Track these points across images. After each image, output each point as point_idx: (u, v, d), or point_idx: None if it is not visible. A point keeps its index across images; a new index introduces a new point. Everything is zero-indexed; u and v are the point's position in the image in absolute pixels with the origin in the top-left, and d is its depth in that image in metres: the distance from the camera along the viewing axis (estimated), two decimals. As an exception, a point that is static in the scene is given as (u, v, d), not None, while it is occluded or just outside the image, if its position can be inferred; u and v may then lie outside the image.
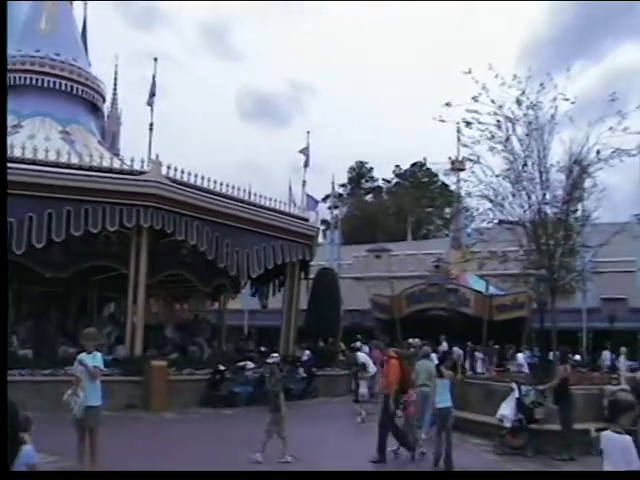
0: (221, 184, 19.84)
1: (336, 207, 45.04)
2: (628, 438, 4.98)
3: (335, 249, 38.42)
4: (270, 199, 21.79)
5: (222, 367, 18.22)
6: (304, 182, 25.84)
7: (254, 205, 20.75)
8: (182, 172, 18.67)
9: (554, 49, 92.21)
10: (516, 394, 12.57)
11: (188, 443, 11.61)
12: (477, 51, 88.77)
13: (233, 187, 20.27)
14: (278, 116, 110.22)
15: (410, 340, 21.42)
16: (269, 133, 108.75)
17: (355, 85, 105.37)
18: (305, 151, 25.77)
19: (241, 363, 19.15)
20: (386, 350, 14.40)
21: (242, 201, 20.34)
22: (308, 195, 28.65)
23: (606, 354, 25.49)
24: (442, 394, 11.08)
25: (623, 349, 24.72)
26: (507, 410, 12.46)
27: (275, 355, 13.57)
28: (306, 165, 25.80)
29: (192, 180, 18.90)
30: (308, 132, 25.95)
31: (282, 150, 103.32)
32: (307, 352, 21.85)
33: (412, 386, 11.85)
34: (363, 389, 17.62)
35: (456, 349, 21.26)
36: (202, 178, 19.24)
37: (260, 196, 21.38)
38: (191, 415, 15.74)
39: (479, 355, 21.68)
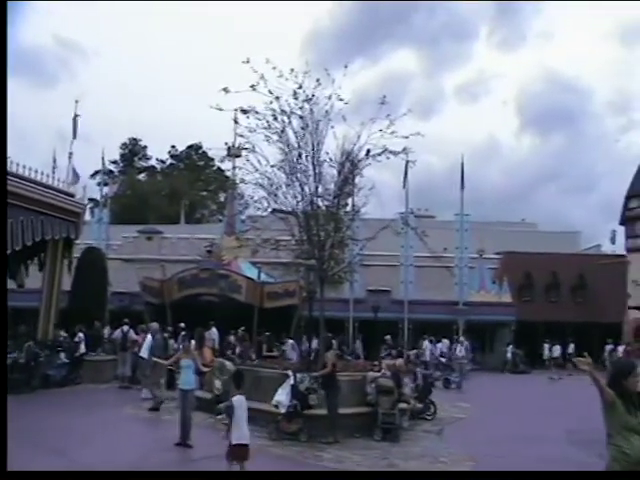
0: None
1: (106, 184, 42.94)
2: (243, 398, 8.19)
3: (103, 228, 36.64)
4: (30, 169, 19.82)
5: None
6: (70, 154, 24.14)
7: (10, 174, 18.78)
8: None
9: (337, 44, 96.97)
10: (291, 381, 12.86)
11: None
12: (261, 40, 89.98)
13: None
14: (42, 76, 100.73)
15: (181, 324, 21.17)
16: (31, 94, 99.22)
17: (134, 59, 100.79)
18: (73, 121, 24.10)
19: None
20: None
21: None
22: (74, 169, 26.90)
23: (427, 344, 27.34)
24: (186, 375, 11.37)
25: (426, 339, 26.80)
26: (282, 396, 12.69)
27: None
28: (74, 137, 24.14)
29: None
30: (77, 101, 24.29)
31: (47, 115, 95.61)
32: (80, 335, 20.55)
33: None
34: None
35: (214, 331, 21.37)
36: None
37: (18, 164, 19.32)
38: None
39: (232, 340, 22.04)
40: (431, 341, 27.91)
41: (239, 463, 8.03)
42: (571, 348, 33.68)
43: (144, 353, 17.83)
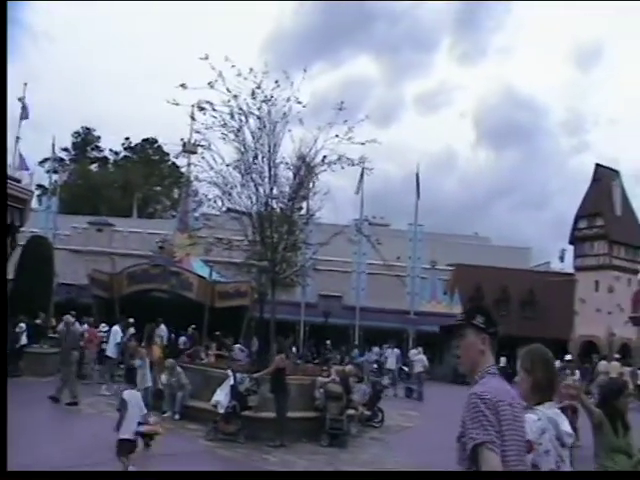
0: None
1: (55, 172, 41.89)
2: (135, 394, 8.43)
3: (51, 217, 35.72)
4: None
5: None
6: (18, 138, 23.47)
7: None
8: None
9: (297, 47, 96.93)
10: (231, 381, 12.73)
11: None
12: (221, 38, 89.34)
13: None
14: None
15: (131, 320, 20.79)
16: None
17: (90, 47, 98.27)
18: (22, 103, 23.51)
19: None
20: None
21: None
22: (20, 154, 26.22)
23: (389, 351, 27.01)
24: (146, 374, 11.19)
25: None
26: (222, 396, 12.57)
27: None
28: (23, 118, 23.54)
29: None
30: (25, 84, 23.76)
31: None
32: (21, 325, 19.90)
33: None
34: None
35: (163, 328, 21.06)
36: None
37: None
38: None
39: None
40: (399, 348, 27.76)
41: (124, 457, 8.03)
42: (502, 361, 34.34)
43: (111, 352, 17.47)
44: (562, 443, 3.23)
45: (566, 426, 3.30)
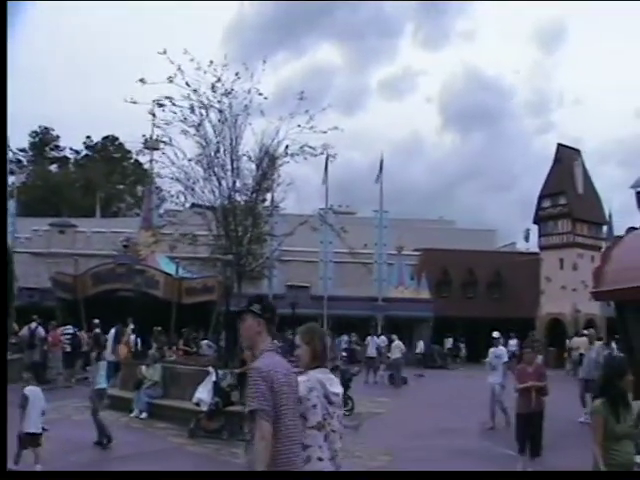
0: None
1: (12, 173, 41.08)
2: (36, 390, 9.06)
3: (10, 220, 34.95)
4: None
5: None
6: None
7: None
8: None
9: (259, 36, 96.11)
10: (213, 378, 12.61)
11: None
12: (182, 30, 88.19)
13: None
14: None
15: (95, 321, 20.55)
16: None
17: (47, 41, 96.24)
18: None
19: None
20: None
21: None
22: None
23: (368, 339, 26.66)
24: (102, 375, 11.18)
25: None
26: (204, 394, 12.46)
27: None
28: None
29: None
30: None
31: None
32: None
33: None
34: None
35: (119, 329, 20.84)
36: None
37: None
38: None
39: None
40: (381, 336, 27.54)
41: (32, 450, 8.66)
42: (449, 343, 35.15)
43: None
44: (330, 401, 3.93)
45: (335, 387, 4.00)
